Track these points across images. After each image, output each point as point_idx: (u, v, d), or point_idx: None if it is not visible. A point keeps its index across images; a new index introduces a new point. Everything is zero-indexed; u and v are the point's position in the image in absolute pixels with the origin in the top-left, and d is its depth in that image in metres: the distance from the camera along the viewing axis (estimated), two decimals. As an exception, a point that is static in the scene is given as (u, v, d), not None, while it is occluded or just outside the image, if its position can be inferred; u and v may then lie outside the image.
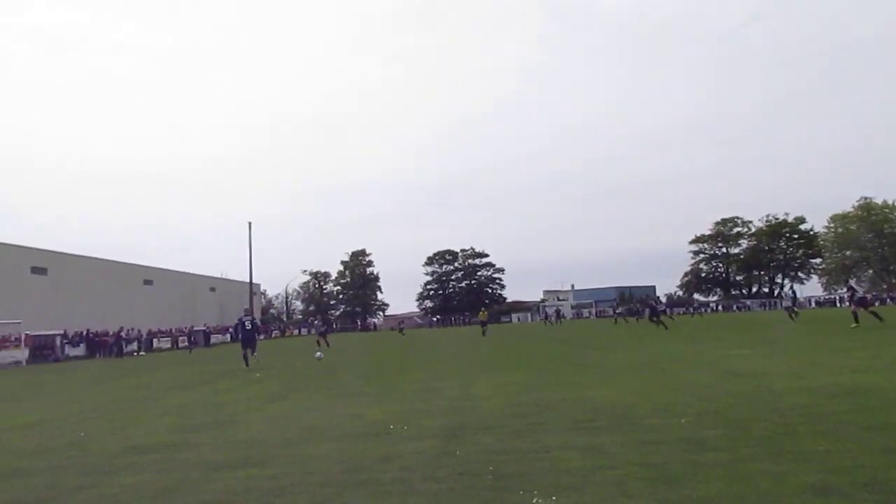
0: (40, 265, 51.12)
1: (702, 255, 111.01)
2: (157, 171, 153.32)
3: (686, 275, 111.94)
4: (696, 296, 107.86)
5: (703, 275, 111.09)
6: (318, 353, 23.49)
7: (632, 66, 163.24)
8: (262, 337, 45.44)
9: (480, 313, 46.78)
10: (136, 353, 44.66)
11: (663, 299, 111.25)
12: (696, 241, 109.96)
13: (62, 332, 44.16)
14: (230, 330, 25.68)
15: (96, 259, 59.18)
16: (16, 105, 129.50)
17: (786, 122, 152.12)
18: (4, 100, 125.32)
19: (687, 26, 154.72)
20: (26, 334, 38.87)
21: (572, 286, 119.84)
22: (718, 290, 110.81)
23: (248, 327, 21.64)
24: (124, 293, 61.26)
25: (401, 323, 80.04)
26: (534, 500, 4.59)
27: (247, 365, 20.77)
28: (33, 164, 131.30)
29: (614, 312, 56.08)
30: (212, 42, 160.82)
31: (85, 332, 46.16)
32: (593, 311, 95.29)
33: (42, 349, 40.66)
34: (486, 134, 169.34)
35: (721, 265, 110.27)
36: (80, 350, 43.78)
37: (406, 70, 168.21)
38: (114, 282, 60.13)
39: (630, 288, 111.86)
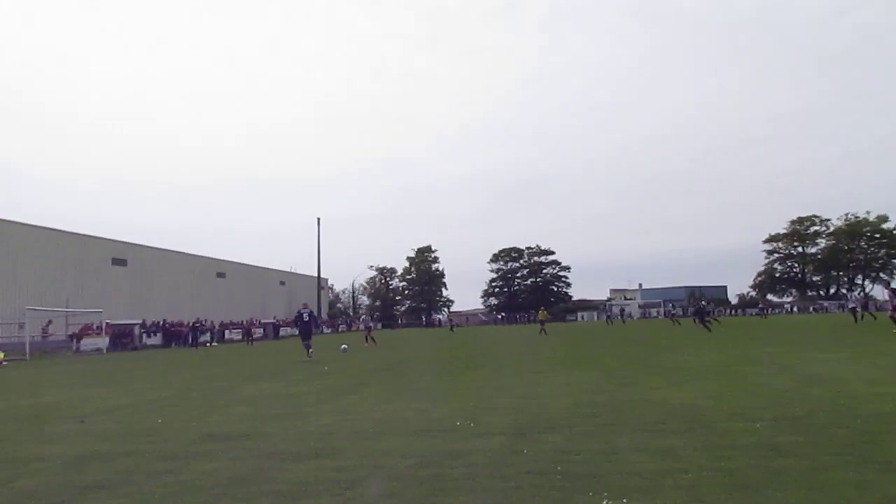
0: (120, 257, 53.17)
1: (776, 255, 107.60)
2: (230, 168, 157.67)
3: (759, 275, 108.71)
4: (769, 296, 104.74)
5: (778, 275, 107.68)
6: (344, 346, 26.58)
7: (709, 62, 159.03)
8: (318, 330, 46.43)
9: (540, 312, 46.56)
10: (208, 344, 45.98)
11: (735, 300, 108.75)
12: (771, 239, 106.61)
13: (140, 321, 45.84)
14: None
15: (173, 251, 61.24)
16: (101, 104, 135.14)
17: (866, 118, 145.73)
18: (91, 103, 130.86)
19: (778, 21, 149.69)
20: (107, 323, 40.40)
21: (640, 285, 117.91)
22: (793, 290, 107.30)
23: (305, 319, 22.66)
24: (198, 285, 63.24)
25: (451, 321, 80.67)
26: (603, 502, 4.52)
27: (308, 356, 21.36)
28: (111, 161, 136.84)
29: (667, 315, 54.19)
30: (289, 36, 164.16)
31: (161, 322, 47.83)
32: (661, 310, 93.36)
33: (121, 337, 42.23)
34: (555, 133, 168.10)
35: (797, 265, 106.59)
36: (157, 339, 45.39)
37: (473, 67, 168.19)
38: (188, 274, 62.14)
39: (701, 287, 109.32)
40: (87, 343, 38.98)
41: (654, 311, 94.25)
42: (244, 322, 59.41)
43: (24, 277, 42.24)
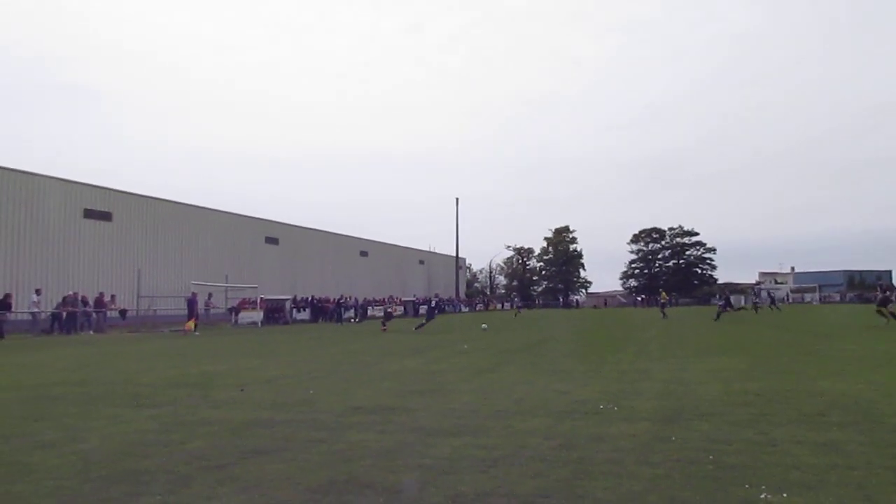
0: (273, 236, 56.16)
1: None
2: (373, 152, 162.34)
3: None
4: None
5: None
6: (484, 325, 29.75)
7: (863, 27, 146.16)
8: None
9: (661, 294, 44.77)
10: (352, 320, 47.61)
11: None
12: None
13: (291, 297, 48.26)
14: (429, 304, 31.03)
15: (320, 231, 63.93)
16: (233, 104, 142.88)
17: None
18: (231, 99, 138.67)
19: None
20: (261, 298, 42.82)
21: (792, 268, 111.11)
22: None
23: (432, 305, 31.83)
24: (343, 263, 65.76)
25: (518, 305, 76.18)
26: (762, 496, 4.28)
27: (415, 329, 27.14)
28: (265, 150, 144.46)
29: (822, 300, 47.80)
30: (432, 17, 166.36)
31: (310, 298, 50.10)
32: (817, 296, 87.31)
33: (274, 312, 44.47)
34: (698, 110, 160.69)
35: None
36: (306, 314, 47.48)
37: (618, 45, 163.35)
38: (334, 252, 64.74)
39: (861, 272, 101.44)
40: (244, 316, 41.50)
41: (808, 297, 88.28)
42: (385, 299, 61.20)
43: (189, 255, 45.65)
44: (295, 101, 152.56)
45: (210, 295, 40.11)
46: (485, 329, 28.10)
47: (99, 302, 33.72)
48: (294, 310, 46.92)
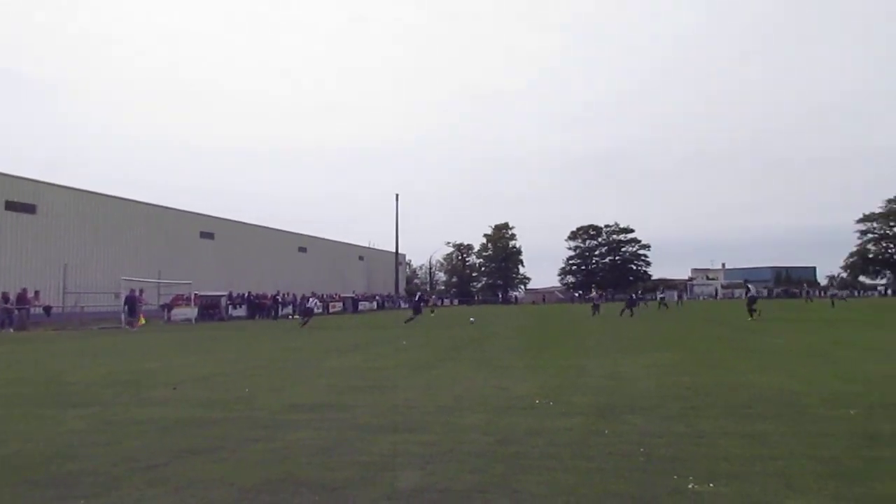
0: (208, 230, 55.08)
1: (870, 235, 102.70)
2: (313, 146, 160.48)
3: (851, 255, 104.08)
4: (861, 278, 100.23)
5: (871, 256, 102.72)
6: (472, 319, 30.80)
7: (797, 33, 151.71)
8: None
9: (592, 291, 45.72)
10: (290, 317, 47.13)
11: (824, 282, 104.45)
12: (865, 219, 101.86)
13: (227, 293, 47.42)
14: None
15: (257, 226, 63.06)
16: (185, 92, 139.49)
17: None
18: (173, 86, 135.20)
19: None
20: (196, 294, 41.90)
21: (723, 265, 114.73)
22: (888, 272, 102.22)
23: (416, 299, 37.77)
24: (281, 259, 64.98)
25: (432, 303, 64.06)
26: (689, 486, 4.44)
27: (406, 321, 29.91)
28: (200, 141, 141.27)
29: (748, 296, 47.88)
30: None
31: (246, 295, 49.32)
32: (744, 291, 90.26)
33: (209, 308, 43.66)
34: (635, 110, 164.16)
35: (892, 246, 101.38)
36: (242, 311, 46.76)
37: (562, 44, 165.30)
38: (272, 248, 63.91)
39: (788, 268, 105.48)
40: (178, 313, 40.50)
41: (737, 292, 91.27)
42: (324, 296, 60.73)
43: (120, 249, 44.38)
44: (233, 92, 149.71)
45: (141, 291, 39.10)
46: (473, 322, 29.74)
47: (21, 298, 32.35)
48: (230, 306, 46.18)
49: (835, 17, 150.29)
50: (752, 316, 25.68)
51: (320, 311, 42.90)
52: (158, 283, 41.19)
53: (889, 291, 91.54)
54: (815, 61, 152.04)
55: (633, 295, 39.27)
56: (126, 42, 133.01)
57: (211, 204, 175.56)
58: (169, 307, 41.20)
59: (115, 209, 44.94)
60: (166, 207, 50.74)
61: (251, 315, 46.67)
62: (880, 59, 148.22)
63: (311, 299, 38.04)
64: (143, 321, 29.16)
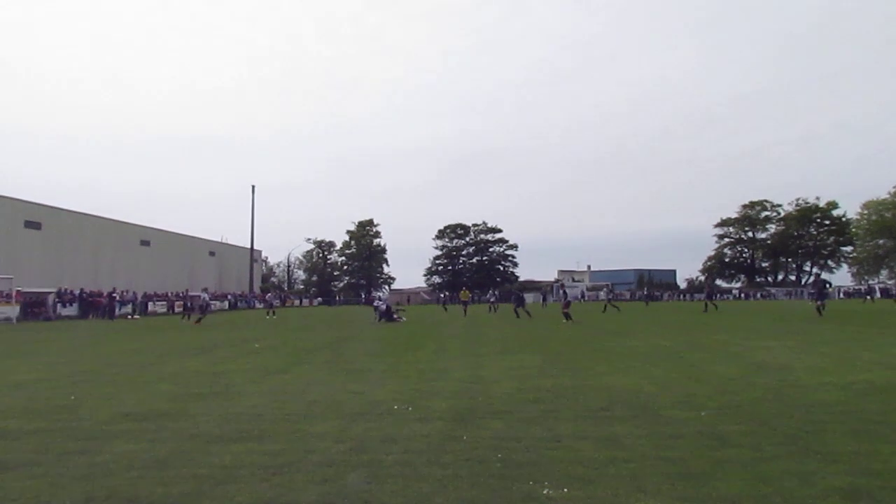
0: (34, 219, 51.39)
1: (727, 240, 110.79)
2: (160, 135, 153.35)
3: (709, 259, 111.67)
4: (718, 281, 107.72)
5: (727, 260, 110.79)
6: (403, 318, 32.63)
7: (671, 37, 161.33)
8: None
9: (462, 293, 46.81)
10: (129, 316, 45.03)
11: (683, 284, 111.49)
12: (722, 224, 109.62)
13: (55, 290, 44.52)
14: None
15: (92, 216, 59.39)
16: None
17: (821, 104, 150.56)
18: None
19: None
20: (18, 290, 39.17)
21: (588, 267, 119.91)
22: (742, 276, 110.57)
23: (382, 308, 32.65)
24: (120, 253, 61.59)
25: (273, 303, 53.14)
26: (544, 491, 4.58)
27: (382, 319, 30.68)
28: (29, 119, 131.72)
29: (608, 298, 50.26)
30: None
31: (78, 292, 46.51)
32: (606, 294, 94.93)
33: (34, 307, 41.05)
34: (505, 109, 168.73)
35: (746, 250, 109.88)
36: (73, 310, 44.18)
37: (427, 38, 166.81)
38: (109, 241, 60.40)
39: (650, 271, 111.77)
40: (-5, 312, 37.74)
41: (601, 294, 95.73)
42: (169, 294, 58.28)
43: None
44: (72, 76, 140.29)
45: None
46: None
47: None
48: (59, 304, 43.44)
49: (686, 23, 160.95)
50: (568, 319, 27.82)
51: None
52: (-28, 277, 38.11)
53: (742, 295, 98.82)
54: (677, 67, 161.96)
55: (520, 293, 40.29)
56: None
57: (40, 193, 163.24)
58: (-16, 305, 38.20)
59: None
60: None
61: (84, 314, 44.22)
62: (744, 65, 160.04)
63: (202, 294, 36.84)
64: None
